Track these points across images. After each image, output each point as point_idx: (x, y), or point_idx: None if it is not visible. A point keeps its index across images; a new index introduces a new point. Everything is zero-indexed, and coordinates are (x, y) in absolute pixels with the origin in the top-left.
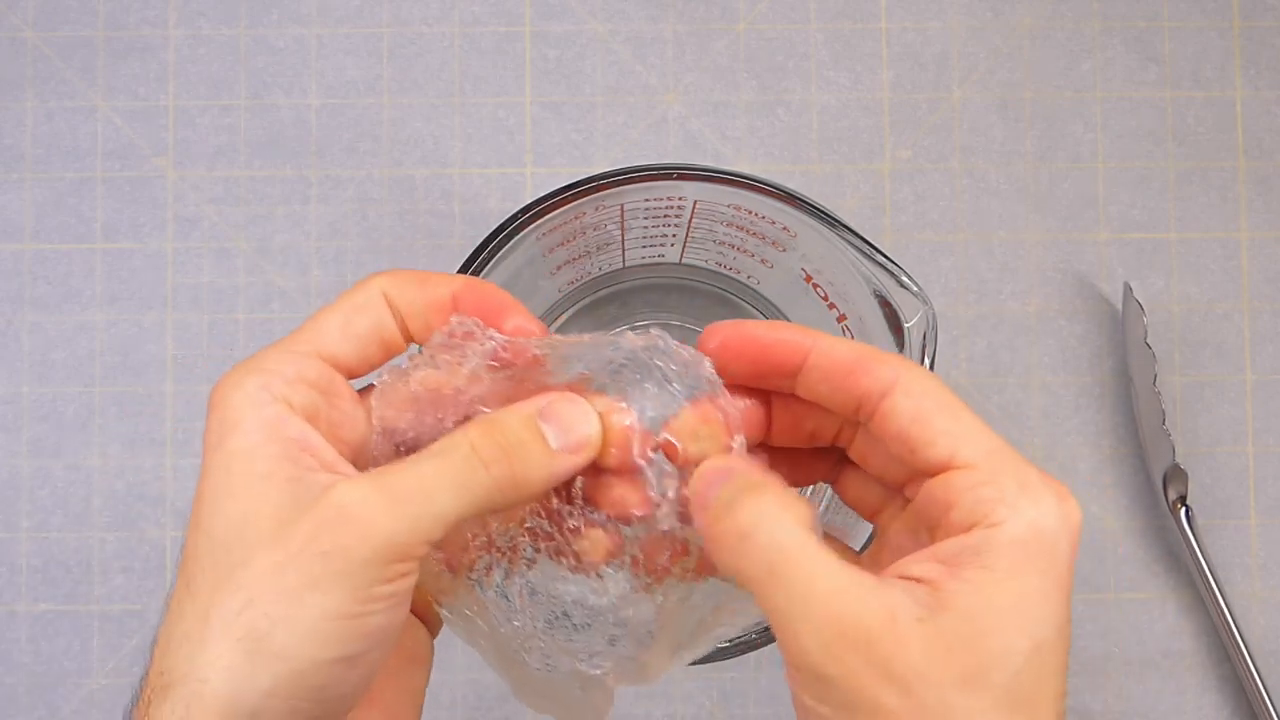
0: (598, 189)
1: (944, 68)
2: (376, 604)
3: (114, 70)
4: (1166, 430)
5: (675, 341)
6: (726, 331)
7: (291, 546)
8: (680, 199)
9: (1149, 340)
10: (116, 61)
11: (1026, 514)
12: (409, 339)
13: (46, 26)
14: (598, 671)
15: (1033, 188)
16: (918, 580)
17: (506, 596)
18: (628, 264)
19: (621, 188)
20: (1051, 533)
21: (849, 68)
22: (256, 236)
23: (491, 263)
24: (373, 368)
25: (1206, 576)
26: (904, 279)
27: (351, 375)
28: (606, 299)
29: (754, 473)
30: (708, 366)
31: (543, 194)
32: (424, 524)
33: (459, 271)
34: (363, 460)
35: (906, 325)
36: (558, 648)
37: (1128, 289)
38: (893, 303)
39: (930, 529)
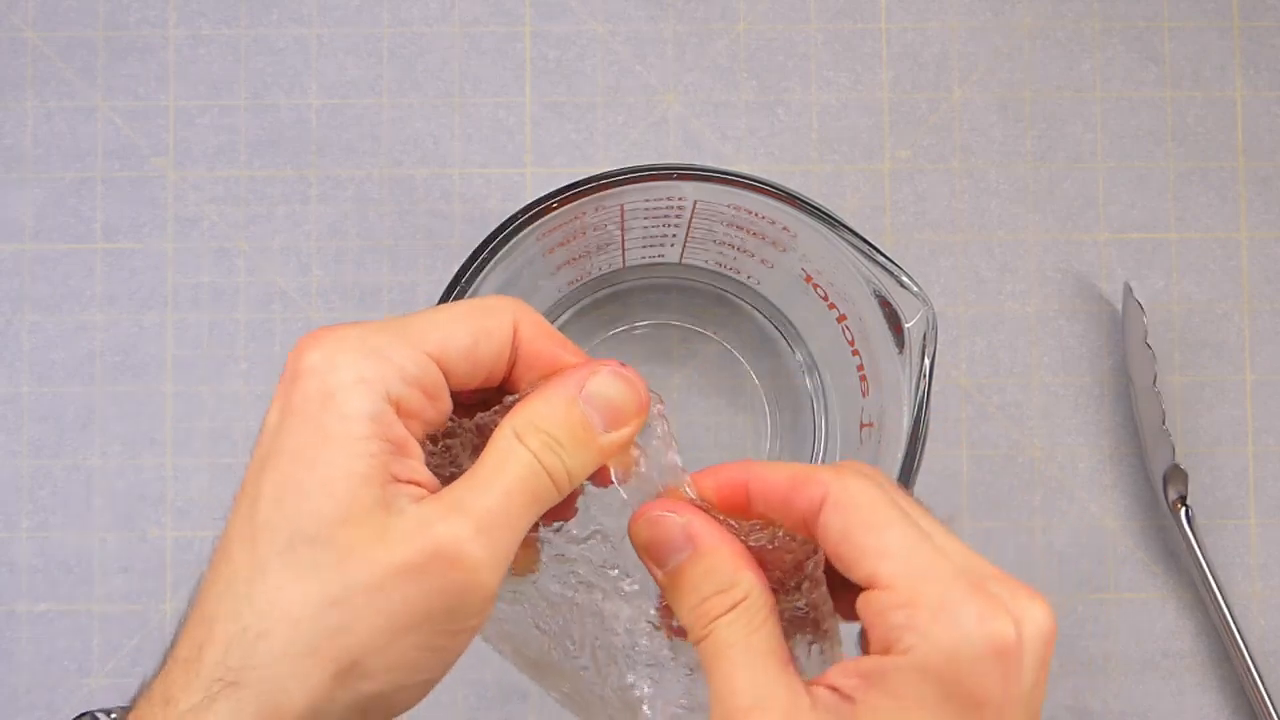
0: (598, 189)
1: (944, 68)
2: (468, 634)
3: (114, 70)
4: (1166, 430)
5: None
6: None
7: (394, 568)
8: (680, 199)
9: (1149, 340)
10: (116, 61)
11: (937, 640)
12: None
13: (46, 26)
14: (646, 710)
15: (1033, 188)
16: (841, 692)
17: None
18: (628, 264)
19: (621, 188)
20: (968, 658)
21: (849, 68)
22: (256, 236)
23: (492, 263)
24: (469, 386)
25: (1206, 576)
26: (904, 279)
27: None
28: (606, 299)
29: (714, 552)
30: (673, 457)
31: (543, 194)
32: (510, 552)
33: (459, 271)
34: None
35: (906, 325)
36: (608, 684)
37: (1128, 289)
38: (893, 303)
39: (865, 641)
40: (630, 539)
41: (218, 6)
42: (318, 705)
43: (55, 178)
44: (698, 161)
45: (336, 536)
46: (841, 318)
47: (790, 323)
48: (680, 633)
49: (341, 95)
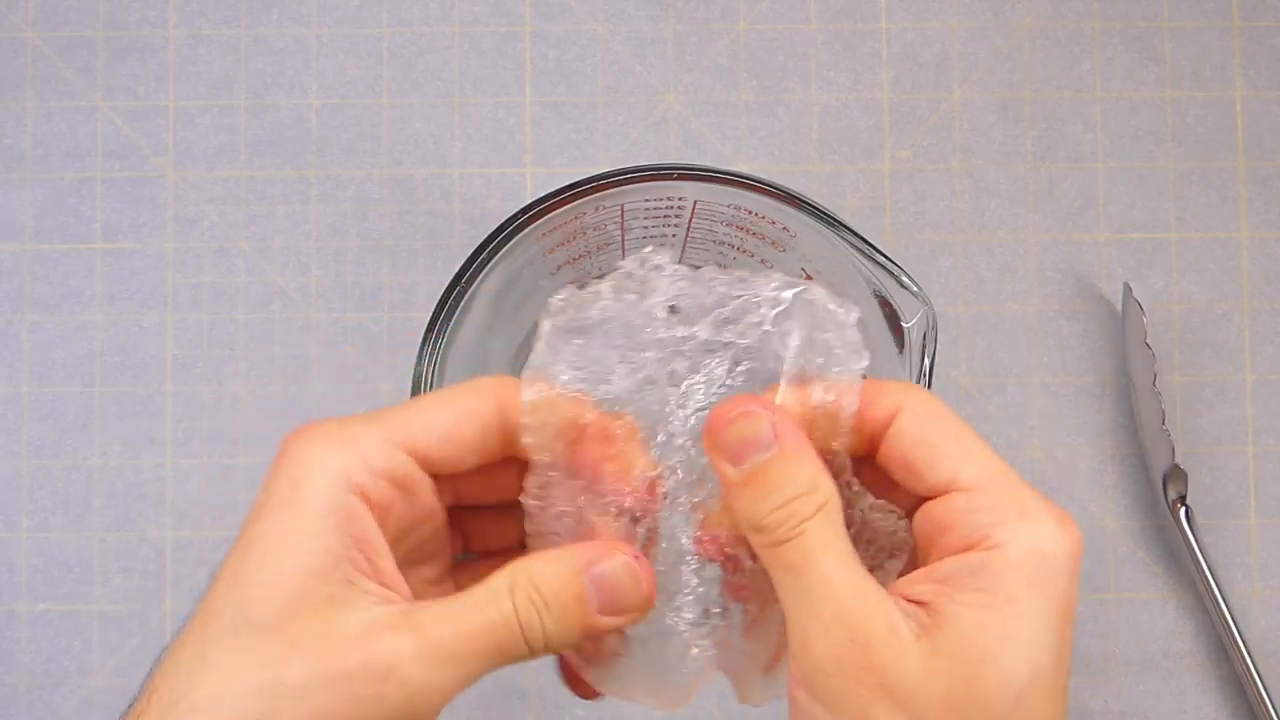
0: (598, 189)
1: (944, 68)
2: None
3: (114, 70)
4: (1166, 430)
5: (830, 301)
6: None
7: (327, 671)
8: (680, 199)
9: (1149, 340)
10: (116, 61)
11: (1026, 538)
12: (510, 448)
13: (46, 26)
14: (696, 648)
15: (1033, 188)
16: (915, 601)
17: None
18: None
19: (621, 188)
20: (1051, 558)
21: (849, 68)
22: (256, 236)
23: (492, 263)
24: (460, 469)
25: (1206, 576)
26: (904, 279)
27: (435, 471)
28: None
29: (800, 455)
30: (853, 335)
31: (543, 194)
32: (457, 686)
33: (459, 271)
34: (425, 552)
35: (906, 325)
36: (664, 607)
37: (1128, 289)
38: (893, 303)
39: (926, 552)
40: (707, 432)
41: (218, 6)
42: None
43: (55, 178)
44: (698, 161)
45: (284, 629)
46: None
47: None
48: (722, 556)
49: (341, 95)
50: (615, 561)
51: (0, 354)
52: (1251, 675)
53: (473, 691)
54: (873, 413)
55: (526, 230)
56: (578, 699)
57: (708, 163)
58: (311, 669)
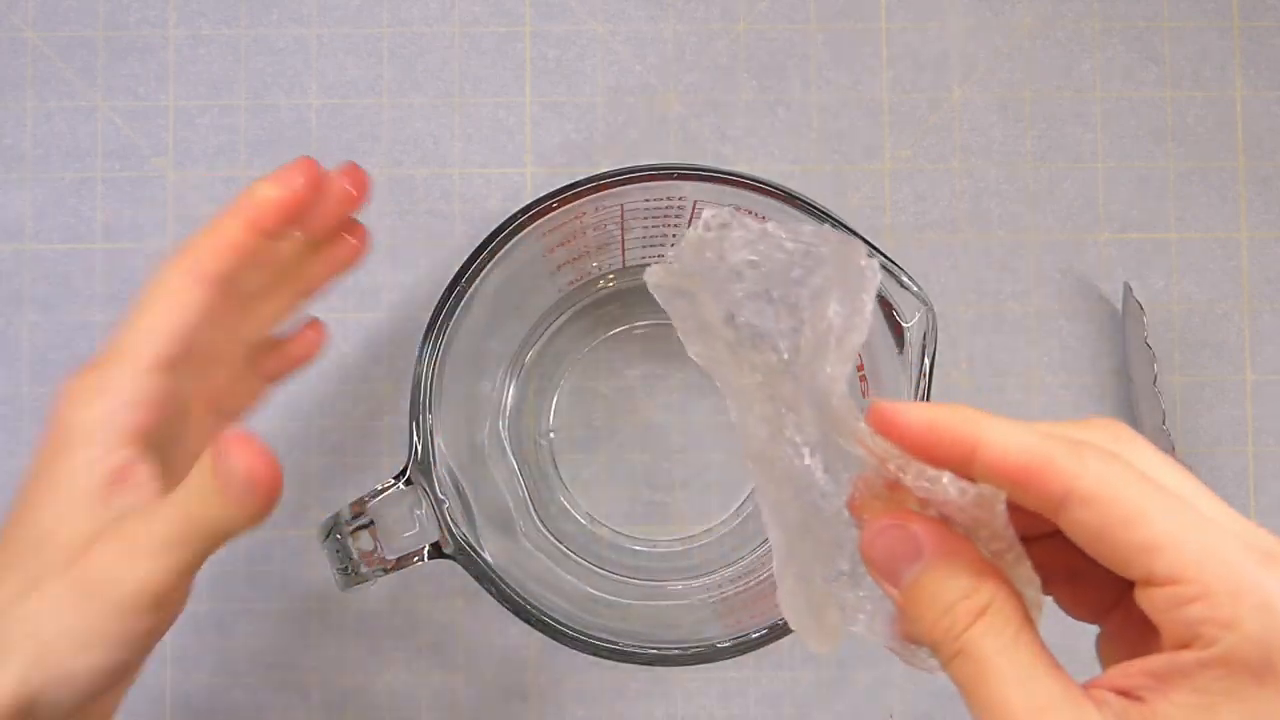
0: (598, 189)
1: (944, 68)
2: (139, 642)
3: (114, 70)
4: (1166, 430)
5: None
6: (875, 419)
7: (69, 580)
8: (680, 199)
9: (1149, 340)
10: (116, 61)
11: (1245, 628)
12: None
13: (46, 26)
14: (849, 594)
15: (1033, 188)
16: (1127, 694)
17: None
18: (628, 264)
19: (621, 188)
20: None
21: (849, 68)
22: None
23: (492, 263)
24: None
25: None
26: (904, 279)
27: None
28: (606, 299)
29: (951, 559)
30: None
31: (543, 194)
32: (172, 575)
33: (459, 271)
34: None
35: (906, 325)
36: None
37: (1128, 289)
38: (893, 303)
39: (1146, 641)
40: (864, 559)
41: (218, 6)
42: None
43: (55, 178)
44: (698, 161)
45: (44, 555)
46: None
47: None
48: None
49: (341, 95)
50: (231, 441)
51: (0, 354)
52: None
53: (473, 691)
54: (1040, 495)
55: (526, 230)
56: (578, 700)
57: (708, 163)
58: (61, 583)
